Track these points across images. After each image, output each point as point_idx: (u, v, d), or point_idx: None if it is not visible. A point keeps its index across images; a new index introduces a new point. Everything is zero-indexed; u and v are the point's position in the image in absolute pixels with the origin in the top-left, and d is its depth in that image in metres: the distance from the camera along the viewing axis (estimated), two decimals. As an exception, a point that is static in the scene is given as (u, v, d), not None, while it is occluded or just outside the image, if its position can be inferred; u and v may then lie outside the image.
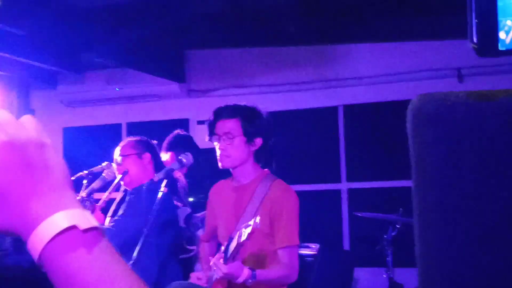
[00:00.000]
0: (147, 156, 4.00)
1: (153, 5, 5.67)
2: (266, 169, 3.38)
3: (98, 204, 4.13)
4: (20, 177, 0.71)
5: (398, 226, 5.37)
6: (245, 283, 3.05)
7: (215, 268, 3.02)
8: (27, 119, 0.77)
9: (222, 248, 3.17)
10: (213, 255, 3.33)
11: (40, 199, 0.71)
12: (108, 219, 3.97)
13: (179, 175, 4.05)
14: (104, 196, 4.16)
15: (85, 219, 0.71)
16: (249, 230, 2.89)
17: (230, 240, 3.10)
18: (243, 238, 2.91)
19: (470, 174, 0.76)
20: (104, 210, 4.21)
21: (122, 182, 4.05)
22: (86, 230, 0.70)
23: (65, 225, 0.69)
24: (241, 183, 3.32)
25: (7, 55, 6.05)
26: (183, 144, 4.72)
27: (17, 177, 0.71)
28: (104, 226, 3.86)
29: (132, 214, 3.75)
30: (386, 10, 5.96)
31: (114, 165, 4.08)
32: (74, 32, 5.91)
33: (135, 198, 3.85)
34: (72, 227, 0.70)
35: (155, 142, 4.19)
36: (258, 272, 3.06)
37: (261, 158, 3.34)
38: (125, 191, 4.09)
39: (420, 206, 0.75)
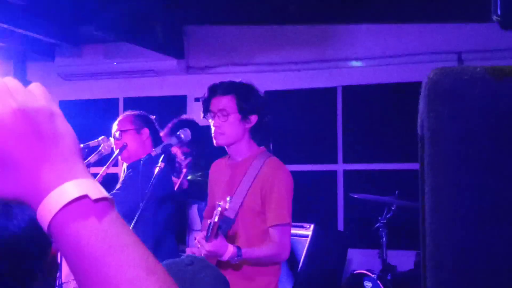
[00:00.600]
0: (146, 131, 3.98)
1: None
2: (262, 147, 3.35)
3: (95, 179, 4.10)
4: (31, 145, 0.69)
5: (393, 208, 5.38)
6: (231, 261, 3.04)
7: (199, 246, 3.01)
8: (36, 86, 0.74)
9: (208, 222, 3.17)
10: None
11: (50, 167, 0.69)
12: None
13: (176, 150, 4.03)
14: (101, 171, 4.14)
15: (96, 189, 0.69)
16: (218, 209, 2.87)
17: (225, 218, 3.10)
18: (215, 219, 2.90)
19: (485, 150, 0.74)
20: (102, 185, 4.18)
21: (119, 157, 4.03)
22: (97, 200, 0.69)
23: (75, 194, 0.68)
24: (236, 161, 3.31)
25: (4, 25, 5.99)
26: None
27: (28, 145, 0.69)
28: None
29: (129, 189, 3.74)
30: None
31: (112, 139, 4.06)
32: (73, 4, 5.85)
33: (132, 172, 3.84)
34: (83, 197, 0.68)
35: (153, 117, 4.16)
36: (244, 250, 3.05)
37: (257, 135, 3.31)
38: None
39: (433, 183, 0.73)
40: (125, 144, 3.96)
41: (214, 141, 3.28)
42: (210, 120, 3.29)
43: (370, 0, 6.06)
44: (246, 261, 3.09)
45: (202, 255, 2.99)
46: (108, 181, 4.19)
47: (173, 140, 3.60)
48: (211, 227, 2.98)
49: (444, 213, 0.74)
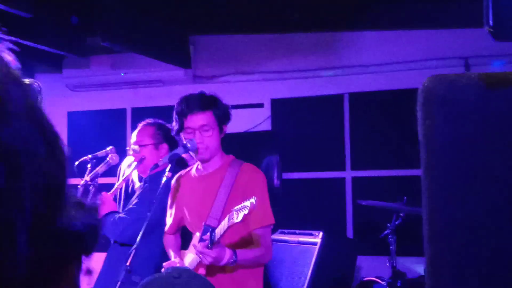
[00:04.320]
0: (164, 146, 3.99)
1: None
2: (230, 155, 3.46)
3: (110, 193, 4.12)
4: None
5: (402, 215, 5.35)
6: (228, 264, 3.11)
7: (200, 256, 3.06)
8: None
9: (197, 234, 3.22)
10: (179, 247, 3.41)
11: None
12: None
13: (188, 158, 4.04)
14: (116, 184, 4.16)
15: None
16: (245, 211, 2.94)
17: (209, 227, 3.14)
18: (237, 220, 2.97)
19: (478, 156, 0.75)
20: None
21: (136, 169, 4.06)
22: None
23: None
24: (208, 171, 3.40)
25: (12, 37, 6.02)
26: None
27: None
28: (119, 215, 3.86)
29: (146, 203, 3.74)
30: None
31: (130, 149, 4.06)
32: (79, 16, 5.89)
33: (148, 186, 3.85)
34: None
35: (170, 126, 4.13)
36: (238, 252, 3.13)
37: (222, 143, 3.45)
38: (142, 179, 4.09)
39: (429, 188, 0.74)
40: (143, 157, 3.97)
41: (197, 156, 3.37)
42: (183, 136, 3.34)
43: (376, 7, 6.07)
44: (240, 263, 3.14)
45: (207, 263, 3.07)
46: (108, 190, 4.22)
47: (180, 150, 3.61)
48: (216, 236, 3.04)
49: (439, 219, 0.74)
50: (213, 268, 3.18)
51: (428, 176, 0.77)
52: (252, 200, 2.96)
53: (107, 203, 3.99)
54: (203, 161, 3.41)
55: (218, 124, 3.34)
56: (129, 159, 4.37)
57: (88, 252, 1.12)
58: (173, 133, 3.47)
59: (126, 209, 3.91)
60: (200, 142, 3.32)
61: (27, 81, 0.59)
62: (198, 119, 3.32)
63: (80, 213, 1.09)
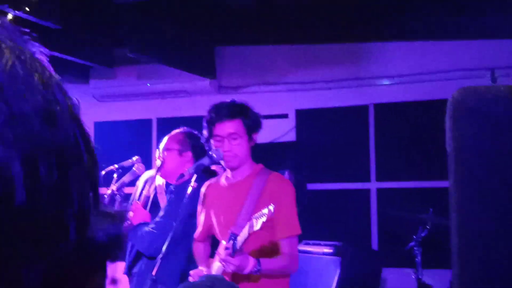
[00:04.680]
0: (188, 154, 4.00)
1: (185, 1, 5.69)
2: (260, 164, 3.44)
3: (139, 202, 4.14)
4: None
5: (428, 227, 5.31)
6: (252, 273, 3.11)
7: (224, 263, 3.07)
8: None
9: (223, 242, 3.23)
10: (208, 255, 3.42)
11: None
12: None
13: (215, 167, 4.04)
14: (144, 192, 4.19)
15: None
16: (263, 219, 2.96)
17: (233, 235, 3.15)
18: (257, 227, 2.99)
19: (508, 168, 0.74)
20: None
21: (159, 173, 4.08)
22: None
23: None
24: (237, 179, 3.39)
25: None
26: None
27: None
28: (148, 228, 3.87)
29: (171, 215, 3.75)
30: (419, 8, 5.90)
31: (158, 152, 4.09)
32: (107, 28, 5.96)
33: (174, 197, 3.85)
34: None
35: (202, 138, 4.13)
36: (262, 261, 3.13)
37: (252, 152, 3.44)
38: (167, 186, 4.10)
39: (459, 200, 0.74)
40: (163, 161, 3.99)
41: (226, 164, 3.36)
42: (213, 142, 3.34)
43: (401, 18, 6.06)
44: (264, 272, 3.15)
45: (230, 270, 3.09)
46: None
47: (206, 160, 3.62)
48: (238, 243, 3.06)
49: (469, 231, 0.74)
50: (238, 277, 3.19)
51: (458, 188, 0.76)
52: (270, 207, 2.97)
53: (139, 213, 4.00)
54: (231, 169, 3.41)
55: (247, 132, 3.33)
56: (149, 173, 4.40)
57: (113, 260, 1.14)
58: (203, 141, 3.48)
59: (153, 221, 3.92)
60: (228, 150, 3.31)
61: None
62: (226, 127, 3.32)
63: (106, 222, 1.12)
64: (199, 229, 3.60)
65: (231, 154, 3.32)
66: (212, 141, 3.38)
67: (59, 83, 0.58)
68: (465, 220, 0.75)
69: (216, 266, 3.35)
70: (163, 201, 4.10)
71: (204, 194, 3.55)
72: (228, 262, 3.07)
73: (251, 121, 3.36)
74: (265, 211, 2.98)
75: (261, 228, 3.16)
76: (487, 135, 0.75)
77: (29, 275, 0.54)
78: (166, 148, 4.01)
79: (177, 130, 4.14)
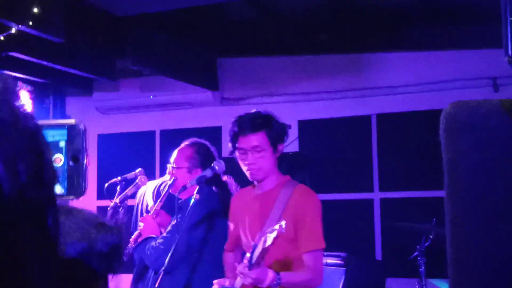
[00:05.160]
0: (198, 171, 3.97)
1: (187, 14, 5.73)
2: (287, 175, 3.40)
3: (150, 214, 4.13)
4: None
5: (431, 237, 5.31)
6: (271, 286, 3.08)
7: (241, 276, 3.05)
8: None
9: (248, 255, 3.20)
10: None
11: None
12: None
13: (226, 178, 4.03)
14: (155, 205, 4.18)
15: None
16: (274, 234, 2.92)
17: (255, 246, 3.12)
18: (268, 243, 2.94)
19: (502, 182, 0.75)
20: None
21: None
22: None
23: None
24: (264, 190, 3.34)
25: (44, 62, 6.16)
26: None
27: None
28: (155, 242, 3.86)
29: (178, 230, 3.74)
30: (420, 19, 5.92)
31: (169, 166, 4.07)
32: (109, 40, 6.00)
33: (181, 213, 3.84)
34: None
35: (213, 149, 4.10)
36: (282, 274, 3.09)
37: (279, 162, 3.38)
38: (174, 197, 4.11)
39: (452, 213, 0.75)
40: (176, 178, 3.96)
41: (251, 177, 3.31)
42: (237, 155, 3.32)
43: (402, 28, 6.09)
44: (284, 286, 3.11)
45: (247, 283, 3.07)
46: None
47: (208, 172, 3.63)
48: (254, 257, 3.03)
49: (462, 243, 0.75)
50: None
51: (451, 202, 0.78)
52: (282, 223, 2.93)
53: (149, 227, 3.97)
54: (257, 181, 3.39)
55: (271, 144, 3.27)
56: (151, 184, 4.40)
57: (114, 271, 1.17)
58: (228, 154, 3.43)
59: (161, 236, 3.91)
60: (252, 163, 3.26)
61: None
62: (250, 141, 3.26)
63: (106, 233, 1.15)
64: (228, 239, 3.58)
65: (255, 167, 3.26)
66: (236, 153, 3.33)
67: (7, 101, 0.64)
68: (458, 232, 0.76)
69: (238, 278, 3.33)
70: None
71: (232, 205, 3.52)
72: (245, 275, 3.05)
73: (276, 133, 3.29)
74: (276, 227, 2.93)
75: (284, 242, 3.14)
76: (479, 148, 0.76)
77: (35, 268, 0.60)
78: (176, 167, 3.98)
79: (186, 143, 4.07)
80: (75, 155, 1.36)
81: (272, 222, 3.19)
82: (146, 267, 4.05)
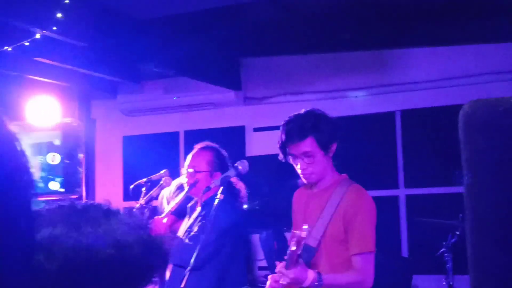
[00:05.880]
0: (218, 175, 4.00)
1: (209, 14, 5.75)
2: (344, 174, 3.33)
3: (162, 216, 4.17)
4: None
5: (457, 233, 5.27)
6: (313, 287, 3.03)
7: (281, 275, 3.02)
8: None
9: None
10: None
11: None
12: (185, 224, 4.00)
13: (240, 185, 4.05)
14: (171, 205, 4.22)
15: None
16: (295, 239, 2.88)
17: (307, 246, 3.10)
18: (292, 248, 2.90)
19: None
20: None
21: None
22: None
23: None
24: (319, 189, 3.29)
25: (69, 66, 6.23)
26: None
27: None
28: (183, 242, 3.89)
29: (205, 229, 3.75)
30: (442, 13, 5.88)
31: (184, 170, 4.09)
32: (133, 43, 6.04)
33: (205, 212, 3.86)
34: None
35: (225, 153, 4.13)
36: (325, 276, 3.03)
37: (336, 159, 3.30)
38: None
39: (472, 212, 0.75)
40: (197, 181, 3.98)
41: (305, 181, 3.27)
42: (291, 160, 3.26)
43: (425, 23, 6.04)
44: (328, 286, 3.06)
45: (285, 283, 3.02)
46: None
47: (232, 172, 3.64)
48: (289, 256, 2.98)
49: (483, 243, 0.76)
50: None
51: (472, 200, 0.78)
52: (305, 227, 2.89)
53: (159, 228, 4.02)
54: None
55: (321, 148, 3.19)
56: (168, 189, 4.43)
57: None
58: (280, 159, 3.38)
59: (189, 236, 3.94)
60: (304, 169, 3.21)
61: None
62: (298, 148, 3.19)
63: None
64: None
65: (307, 172, 3.21)
66: (290, 159, 3.26)
67: None
68: (478, 229, 0.77)
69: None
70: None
71: (293, 201, 3.48)
72: (283, 274, 3.01)
73: (325, 135, 3.20)
74: (297, 231, 2.90)
75: (334, 242, 3.10)
76: (498, 146, 0.76)
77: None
78: (197, 171, 3.99)
79: (201, 146, 4.10)
80: (70, 153, 1.39)
81: (323, 223, 3.15)
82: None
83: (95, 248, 0.97)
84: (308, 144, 3.19)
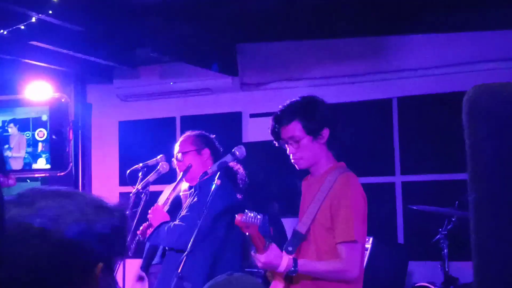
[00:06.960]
0: (206, 151, 4.02)
1: (206, 0, 5.71)
2: (341, 162, 3.30)
3: (161, 204, 4.18)
4: None
5: (453, 220, 5.29)
6: (289, 273, 3.03)
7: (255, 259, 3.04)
8: None
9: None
10: None
11: None
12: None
13: (238, 167, 4.06)
14: (167, 193, 4.22)
15: None
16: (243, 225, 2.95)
17: (296, 232, 3.12)
18: (246, 233, 2.98)
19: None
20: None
21: (184, 179, 4.11)
22: None
23: None
24: (314, 175, 3.28)
25: (64, 50, 6.20)
26: None
27: None
28: (174, 222, 3.92)
29: (196, 211, 3.77)
30: (440, 0, 5.85)
31: (174, 161, 4.13)
32: (129, 28, 6.01)
33: (198, 194, 3.87)
34: None
35: (213, 136, 4.20)
36: (302, 261, 3.03)
37: (334, 147, 3.27)
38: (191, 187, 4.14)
39: (475, 198, 0.74)
40: (190, 165, 4.00)
41: (296, 166, 3.25)
42: (282, 144, 3.26)
43: (423, 10, 6.02)
44: (306, 274, 3.05)
45: (259, 267, 3.05)
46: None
47: (228, 157, 3.64)
48: (250, 240, 3.01)
49: (486, 229, 0.75)
50: (291, 279, 3.12)
51: (475, 188, 0.77)
52: (250, 214, 2.94)
53: (158, 214, 4.04)
54: (308, 169, 3.31)
55: (307, 132, 3.17)
56: (169, 189, 4.45)
57: (116, 254, 1.19)
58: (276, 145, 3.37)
59: (180, 216, 3.97)
60: (293, 153, 3.21)
61: None
62: (285, 132, 3.20)
63: (103, 216, 1.17)
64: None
65: (296, 157, 3.21)
66: (282, 144, 3.25)
67: None
68: (481, 217, 0.76)
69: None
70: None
71: (302, 188, 3.45)
72: (255, 258, 3.03)
73: (313, 120, 3.18)
74: (237, 216, 2.96)
75: (322, 230, 3.10)
76: (501, 132, 0.75)
77: None
78: (183, 152, 4.03)
79: (186, 134, 4.18)
80: (58, 129, 1.37)
81: (312, 210, 3.15)
82: (153, 255, 4.11)
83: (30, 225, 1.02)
84: (294, 128, 3.18)
